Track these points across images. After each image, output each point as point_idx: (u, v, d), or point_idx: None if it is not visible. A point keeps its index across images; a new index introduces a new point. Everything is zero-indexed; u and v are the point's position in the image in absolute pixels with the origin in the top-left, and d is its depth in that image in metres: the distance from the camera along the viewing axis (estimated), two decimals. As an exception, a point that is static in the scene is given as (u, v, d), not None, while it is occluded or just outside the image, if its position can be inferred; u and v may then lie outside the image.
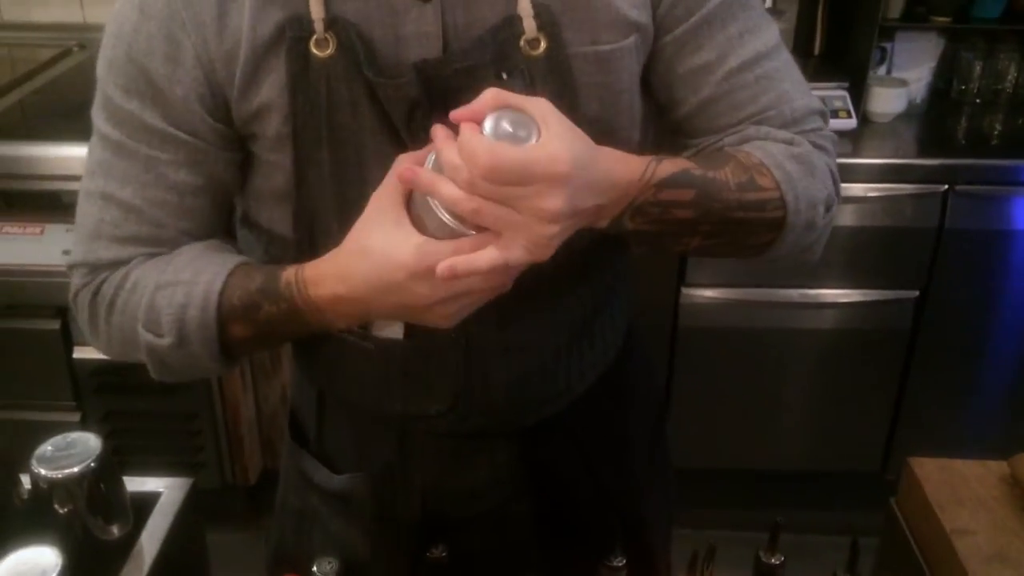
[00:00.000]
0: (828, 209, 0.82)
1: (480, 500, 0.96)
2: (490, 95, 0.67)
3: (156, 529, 1.02)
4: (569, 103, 0.76)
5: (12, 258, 1.95)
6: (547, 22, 0.76)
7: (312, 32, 0.75)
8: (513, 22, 0.75)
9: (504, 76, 0.74)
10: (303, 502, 1.04)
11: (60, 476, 0.94)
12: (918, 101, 2.18)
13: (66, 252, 1.94)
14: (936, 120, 2.19)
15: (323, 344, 0.91)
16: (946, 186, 1.92)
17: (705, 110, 0.83)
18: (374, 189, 0.74)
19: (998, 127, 2.18)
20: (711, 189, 0.76)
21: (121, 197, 0.82)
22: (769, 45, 0.83)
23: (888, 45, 2.16)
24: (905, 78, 2.15)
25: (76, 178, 2.21)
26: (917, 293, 2.03)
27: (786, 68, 0.84)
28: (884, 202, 1.94)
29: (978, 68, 2.20)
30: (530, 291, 0.78)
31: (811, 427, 2.19)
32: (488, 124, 0.66)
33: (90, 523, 0.97)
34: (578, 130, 0.68)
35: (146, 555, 0.99)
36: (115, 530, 0.99)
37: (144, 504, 1.04)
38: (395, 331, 0.86)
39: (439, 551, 0.92)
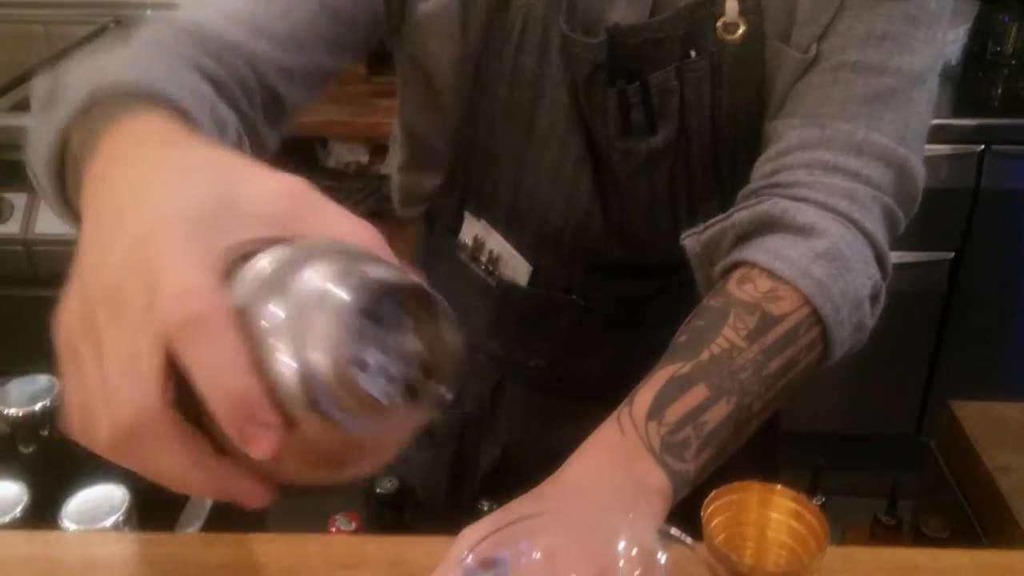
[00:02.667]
0: (875, 299, 0.72)
1: (559, 463, 0.96)
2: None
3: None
4: (751, 96, 0.74)
5: (57, 228, 2.00)
6: (751, 7, 0.72)
7: None
8: (715, 1, 0.72)
9: (692, 54, 0.72)
10: None
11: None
12: (953, 63, 2.17)
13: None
14: (971, 81, 2.18)
15: (447, 268, 0.90)
16: (982, 146, 1.92)
17: (799, 94, 0.74)
18: (538, 140, 0.74)
19: (1034, 87, 2.17)
20: (722, 368, 0.63)
21: None
22: (907, 68, 0.71)
23: (923, 6, 2.15)
24: (940, 40, 2.14)
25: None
26: (952, 255, 2.02)
27: (906, 103, 0.72)
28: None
29: (1013, 30, 2.18)
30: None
31: (848, 390, 2.20)
32: None
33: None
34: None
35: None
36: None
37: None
38: (521, 275, 0.86)
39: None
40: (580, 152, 0.77)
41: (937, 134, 1.92)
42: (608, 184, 0.79)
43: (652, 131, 0.75)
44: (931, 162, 1.92)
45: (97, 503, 0.90)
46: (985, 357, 2.14)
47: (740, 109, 0.75)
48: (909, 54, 0.70)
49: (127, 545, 0.67)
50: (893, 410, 2.20)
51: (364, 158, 2.06)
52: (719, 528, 0.54)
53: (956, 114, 2.01)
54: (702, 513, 0.54)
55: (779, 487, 0.55)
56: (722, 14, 0.71)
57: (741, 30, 0.71)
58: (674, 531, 0.42)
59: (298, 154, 2.07)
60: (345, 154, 2.06)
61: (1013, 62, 2.22)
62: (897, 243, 2.18)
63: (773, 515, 0.55)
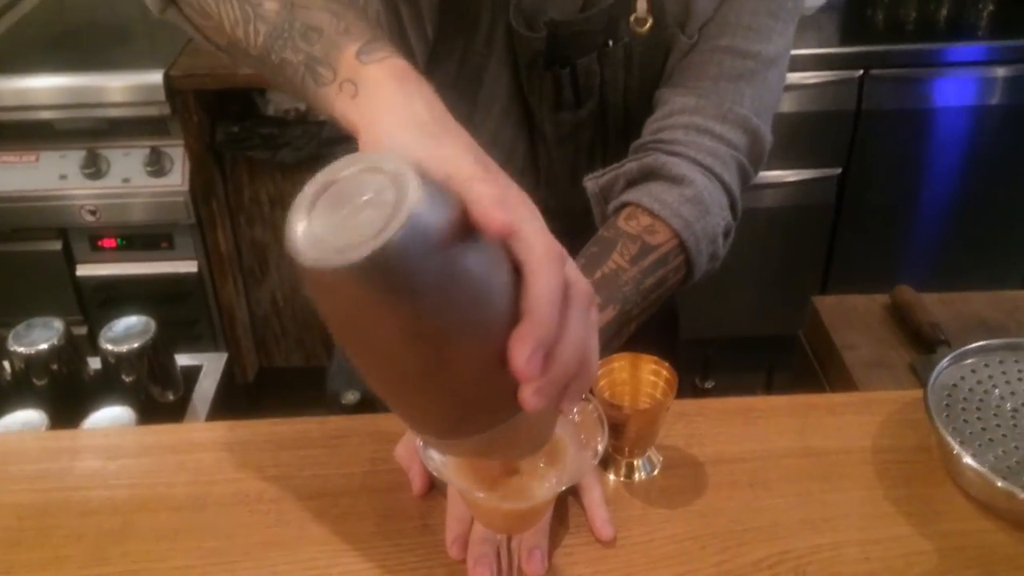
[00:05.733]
0: (727, 236, 0.90)
1: None
2: None
3: (203, 393, 1.24)
4: (655, 76, 0.90)
5: (12, 186, 2.10)
6: (656, 5, 0.86)
7: None
8: (629, 0, 0.87)
9: (611, 43, 0.88)
10: None
11: (125, 351, 1.15)
12: (838, -7, 2.37)
13: (62, 177, 2.10)
14: (854, 11, 2.38)
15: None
16: (862, 71, 2.13)
17: (683, 68, 0.90)
18: (482, 109, 0.88)
19: (913, 14, 2.37)
20: (610, 284, 0.80)
21: None
22: (764, 54, 0.87)
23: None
24: (826, -28, 2.33)
25: (66, 107, 2.33)
26: (839, 170, 2.26)
27: (763, 83, 0.89)
28: (808, 89, 2.15)
29: (894, -41, 2.37)
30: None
31: (753, 295, 2.45)
32: None
33: (151, 389, 1.18)
34: None
35: (199, 415, 1.21)
36: (170, 395, 1.21)
37: (190, 375, 1.26)
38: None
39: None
40: (518, 120, 0.94)
41: (821, 61, 2.13)
42: (541, 147, 0.96)
43: (579, 105, 0.92)
44: (816, 87, 2.17)
45: (108, 423, 1.07)
46: (871, 260, 2.40)
47: (647, 87, 0.92)
48: (768, 42, 0.87)
49: (143, 435, 0.83)
50: (790, 312, 2.46)
51: (302, 105, 2.16)
52: (605, 387, 0.75)
53: (838, 42, 2.22)
54: (592, 378, 0.74)
55: (645, 356, 0.76)
56: (634, 11, 0.88)
57: (648, 23, 0.88)
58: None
59: (238, 103, 2.17)
60: (284, 102, 2.15)
61: (894, -10, 2.42)
62: (790, 162, 2.43)
63: (641, 375, 0.76)
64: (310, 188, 0.42)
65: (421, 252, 0.39)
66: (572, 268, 0.49)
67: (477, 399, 0.46)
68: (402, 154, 0.44)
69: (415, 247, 0.39)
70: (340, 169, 0.43)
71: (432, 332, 0.41)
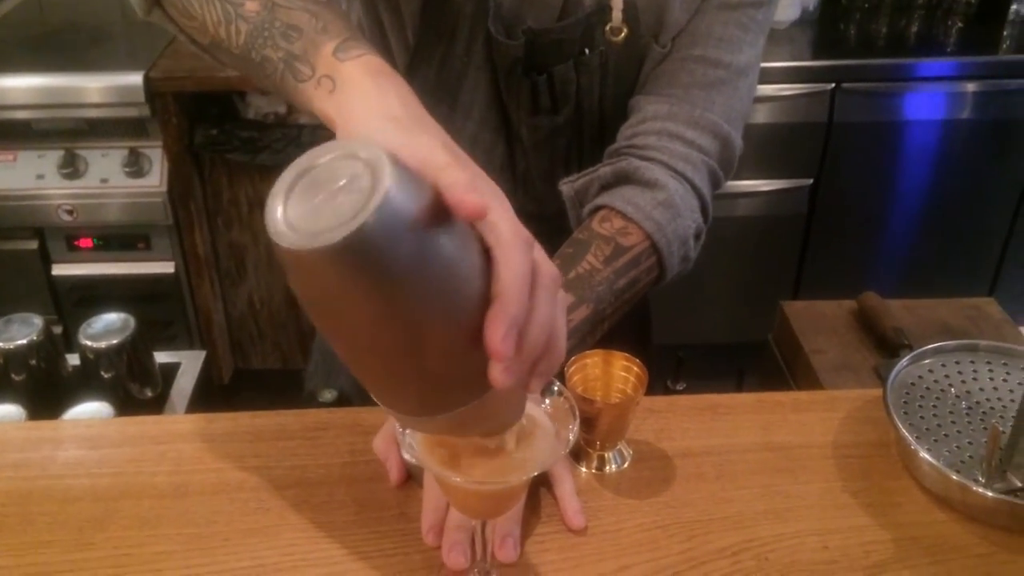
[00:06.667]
0: (698, 238, 0.92)
1: None
2: None
3: (182, 390, 1.25)
4: (630, 84, 0.93)
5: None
6: (631, 16, 0.89)
7: None
8: (604, 9, 0.89)
9: (587, 52, 0.90)
10: None
11: (104, 347, 1.16)
12: (811, 8, 2.42)
13: (40, 176, 2.10)
14: (827, 26, 2.44)
15: None
16: (833, 84, 2.18)
17: (656, 77, 0.93)
18: (461, 114, 0.91)
19: (884, 30, 2.43)
20: (584, 283, 0.83)
21: None
22: (735, 64, 0.90)
23: (784, -43, 2.38)
24: (798, -13, 2.38)
25: (43, 107, 2.33)
26: (811, 181, 2.31)
27: (733, 91, 0.91)
28: (781, 101, 2.20)
29: (866, -25, 2.43)
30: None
31: (725, 303, 2.49)
32: None
33: (130, 386, 1.19)
34: None
35: (178, 411, 1.22)
36: (149, 392, 1.22)
37: (168, 373, 1.27)
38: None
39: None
40: (496, 125, 0.96)
41: (794, 74, 2.18)
42: (518, 152, 0.99)
43: (555, 111, 0.95)
44: (789, 99, 2.21)
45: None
46: (841, 269, 2.44)
47: (622, 94, 0.95)
48: (739, 53, 0.90)
49: (125, 425, 0.84)
50: (762, 319, 2.50)
51: (282, 109, 2.18)
52: (578, 382, 0.78)
53: (811, 56, 2.27)
54: (566, 371, 0.77)
55: (617, 352, 0.79)
56: (610, 20, 0.91)
57: (624, 33, 0.91)
58: (556, 385, 0.64)
59: (218, 106, 2.18)
60: (264, 105, 2.18)
61: (866, 5, 2.48)
62: (763, 173, 2.47)
63: (613, 371, 0.79)
64: (289, 173, 0.44)
65: (395, 235, 0.41)
66: (539, 252, 0.51)
67: (448, 378, 0.48)
68: (377, 142, 0.46)
69: (389, 230, 0.41)
70: (318, 155, 0.45)
71: (405, 313, 0.43)
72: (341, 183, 0.43)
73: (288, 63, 0.64)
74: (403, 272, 0.42)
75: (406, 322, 0.44)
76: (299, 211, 0.43)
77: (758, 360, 1.47)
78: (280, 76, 0.64)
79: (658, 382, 1.19)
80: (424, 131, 0.54)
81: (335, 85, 0.60)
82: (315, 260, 0.41)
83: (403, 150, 0.47)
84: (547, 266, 0.51)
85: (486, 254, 0.47)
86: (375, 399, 0.51)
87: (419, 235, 0.42)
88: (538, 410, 0.63)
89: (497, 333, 0.46)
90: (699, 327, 2.49)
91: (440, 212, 0.44)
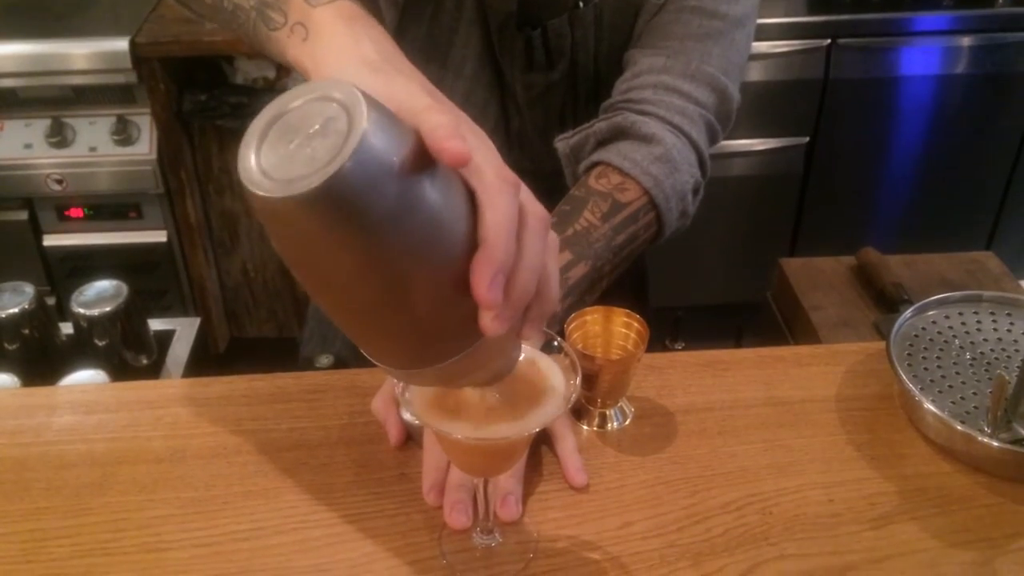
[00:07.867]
0: (696, 193, 0.90)
1: None
2: None
3: (177, 357, 1.24)
4: (624, 39, 0.91)
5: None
6: None
7: None
8: None
9: (580, 5, 0.88)
10: None
11: (97, 314, 1.14)
12: (807, -37, 2.39)
13: (27, 146, 2.07)
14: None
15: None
16: (829, 40, 2.16)
17: (651, 29, 0.90)
18: (452, 72, 0.88)
19: (880, -17, 2.40)
20: (581, 240, 0.81)
21: None
22: (732, 15, 0.88)
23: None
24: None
25: (30, 74, 2.29)
26: (807, 139, 2.29)
27: (730, 43, 0.89)
28: (776, 58, 2.17)
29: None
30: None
31: (724, 262, 2.48)
32: None
33: (124, 353, 1.18)
34: None
35: (174, 378, 1.21)
36: (144, 359, 1.21)
37: (163, 340, 1.26)
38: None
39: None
40: (489, 82, 0.94)
41: (789, 30, 2.15)
42: (512, 109, 0.97)
43: (550, 67, 0.93)
44: (784, 56, 2.18)
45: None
46: (838, 226, 2.43)
47: (616, 48, 0.93)
48: (735, 3, 0.88)
49: (120, 390, 0.83)
50: (759, 279, 2.50)
51: (271, 73, 2.15)
52: (578, 339, 0.77)
53: (806, 11, 2.24)
54: (565, 328, 0.76)
55: (617, 309, 0.78)
56: None
57: None
58: (557, 341, 0.63)
59: (206, 71, 2.15)
60: (252, 70, 2.14)
61: (861, -40, 2.44)
62: (758, 131, 2.44)
63: (613, 327, 0.78)
64: (261, 119, 0.42)
65: (373, 182, 0.39)
66: (526, 193, 0.49)
67: (437, 329, 0.46)
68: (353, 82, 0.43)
69: (367, 176, 0.39)
70: (291, 99, 0.42)
71: (388, 263, 0.41)
72: (316, 127, 0.40)
73: (260, 11, 0.62)
74: (384, 219, 0.40)
75: (390, 272, 0.42)
76: (273, 158, 0.40)
77: (756, 319, 1.47)
78: (253, 25, 0.62)
79: (656, 342, 1.18)
80: (400, 73, 0.52)
81: (308, 32, 0.58)
82: (291, 209, 0.39)
83: (380, 93, 0.44)
84: (534, 207, 0.49)
85: (470, 198, 0.45)
86: (364, 353, 0.50)
87: (399, 179, 0.40)
88: (541, 366, 0.61)
89: (483, 280, 0.44)
90: (696, 288, 2.49)
91: (421, 155, 0.42)
